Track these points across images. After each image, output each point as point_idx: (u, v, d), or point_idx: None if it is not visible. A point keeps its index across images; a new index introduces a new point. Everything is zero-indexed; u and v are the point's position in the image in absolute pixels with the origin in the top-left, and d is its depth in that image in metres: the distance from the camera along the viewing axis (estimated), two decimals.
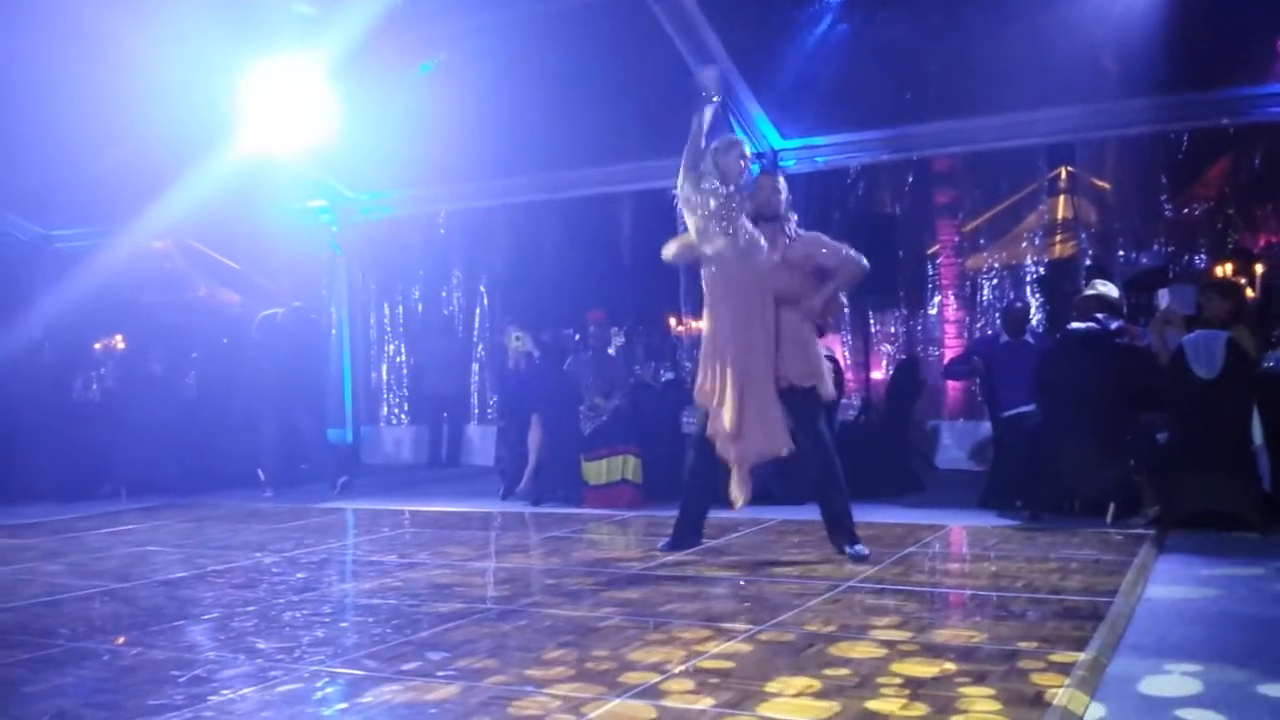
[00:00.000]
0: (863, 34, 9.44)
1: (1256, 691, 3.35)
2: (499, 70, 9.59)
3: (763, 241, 5.52)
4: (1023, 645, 3.76)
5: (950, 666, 3.54)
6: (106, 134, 10.42)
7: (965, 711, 3.09)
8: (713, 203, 5.44)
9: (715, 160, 5.51)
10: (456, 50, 9.75)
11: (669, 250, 5.78)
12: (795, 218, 5.80)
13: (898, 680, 3.40)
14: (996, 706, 3.13)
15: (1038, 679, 3.36)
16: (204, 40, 9.28)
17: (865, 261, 5.59)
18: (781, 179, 5.95)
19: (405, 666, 3.70)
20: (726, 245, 5.45)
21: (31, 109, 10.14)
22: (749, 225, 5.53)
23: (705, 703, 3.24)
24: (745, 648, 3.87)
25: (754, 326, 5.44)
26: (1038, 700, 3.15)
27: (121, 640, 4.29)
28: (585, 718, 3.11)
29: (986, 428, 8.82)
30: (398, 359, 13.13)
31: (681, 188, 5.55)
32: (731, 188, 5.49)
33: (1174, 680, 3.46)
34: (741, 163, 5.59)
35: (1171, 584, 4.89)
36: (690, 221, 5.58)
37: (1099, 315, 6.89)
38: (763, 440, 5.41)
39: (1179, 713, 3.15)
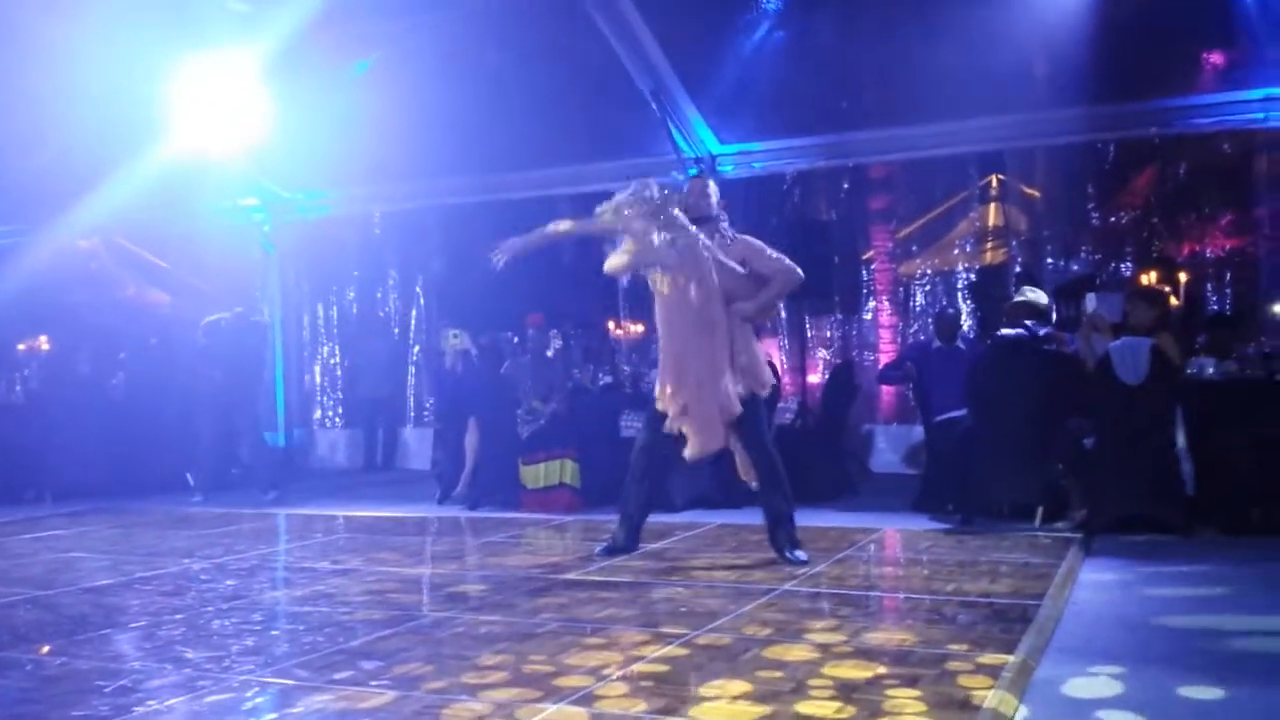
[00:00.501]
0: (799, 41, 9.53)
1: (1177, 693, 3.43)
2: (436, 69, 9.53)
3: (702, 238, 5.54)
4: (953, 648, 3.82)
5: (882, 670, 3.58)
6: (32, 131, 10.17)
7: (896, 714, 3.13)
8: (652, 224, 5.44)
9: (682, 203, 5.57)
10: (393, 48, 9.65)
11: (612, 264, 5.74)
12: (726, 219, 5.83)
13: (830, 683, 3.44)
14: (924, 708, 3.17)
15: (966, 682, 3.41)
16: (135, 36, 9.09)
17: (800, 272, 5.65)
18: (711, 182, 5.93)
19: (337, 675, 3.66)
20: (671, 254, 5.46)
21: None
22: (687, 224, 5.54)
23: (639, 707, 3.26)
24: (681, 652, 3.88)
25: (704, 328, 5.47)
26: (966, 704, 3.20)
27: (45, 649, 4.19)
28: (517, 710, 3.10)
29: (919, 432, 8.94)
30: (332, 361, 12.98)
31: (617, 213, 5.52)
32: (662, 197, 5.50)
33: (1097, 682, 3.54)
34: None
35: (1098, 587, 5.00)
36: (631, 239, 5.56)
37: (1028, 322, 7.01)
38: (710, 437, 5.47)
39: (1100, 714, 3.22)
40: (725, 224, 5.77)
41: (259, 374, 10.16)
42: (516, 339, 9.93)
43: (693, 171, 9.72)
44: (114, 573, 5.87)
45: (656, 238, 5.42)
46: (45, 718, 3.30)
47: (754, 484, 5.68)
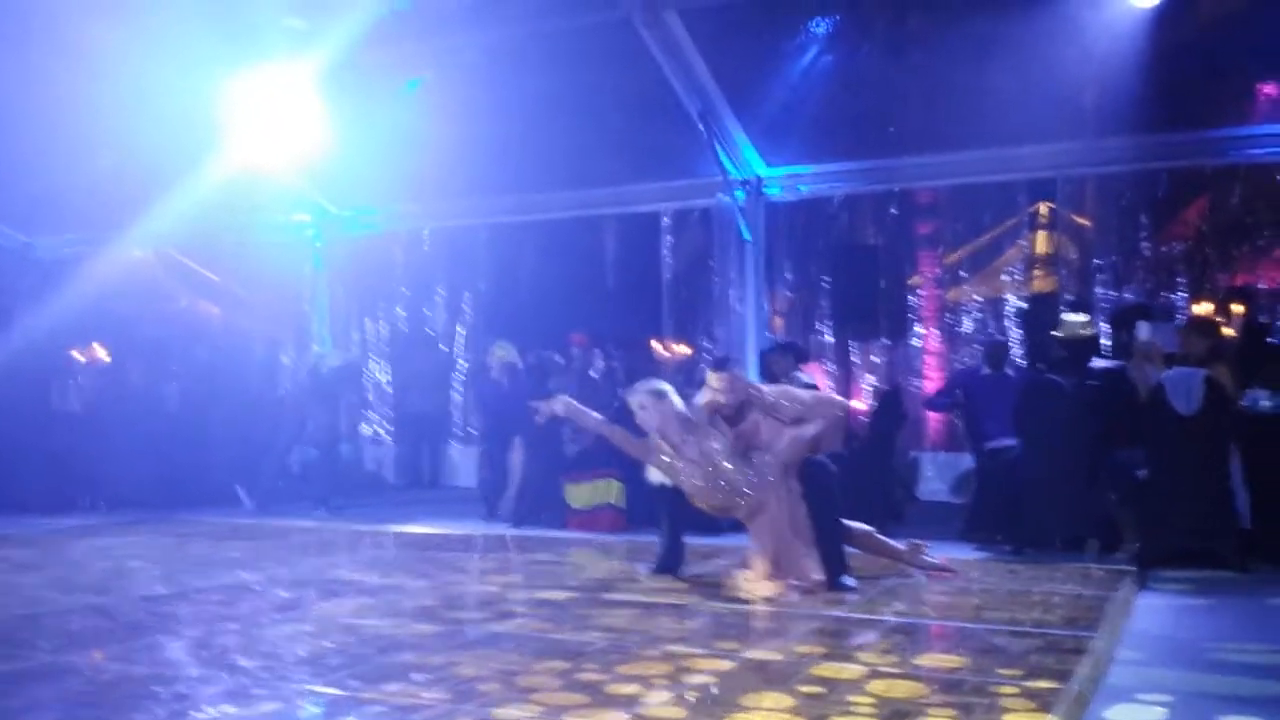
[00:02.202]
0: (848, 65, 9.54)
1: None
2: (486, 89, 9.62)
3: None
4: (1004, 673, 3.81)
5: (928, 692, 3.60)
6: (91, 143, 10.37)
7: None
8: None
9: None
10: (444, 67, 9.77)
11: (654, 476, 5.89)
12: (757, 387, 5.87)
13: (873, 701, 3.48)
14: None
15: (1015, 706, 3.39)
16: (192, 50, 9.27)
17: (839, 400, 5.90)
18: (731, 370, 5.82)
19: (389, 686, 3.69)
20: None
21: (15, 117, 10.09)
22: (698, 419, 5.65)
23: (681, 715, 3.34)
24: (727, 665, 3.94)
25: None
26: None
27: (101, 655, 4.26)
28: None
29: (967, 460, 8.88)
30: (380, 377, 13.08)
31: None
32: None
33: (1142, 710, 3.54)
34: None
35: (1152, 620, 4.93)
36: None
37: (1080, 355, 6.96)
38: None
39: None
40: (755, 389, 5.79)
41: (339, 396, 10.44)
42: (559, 358, 9.98)
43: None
44: (169, 582, 5.94)
45: (679, 460, 5.59)
46: None
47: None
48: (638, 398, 5.73)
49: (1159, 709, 3.52)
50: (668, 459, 5.65)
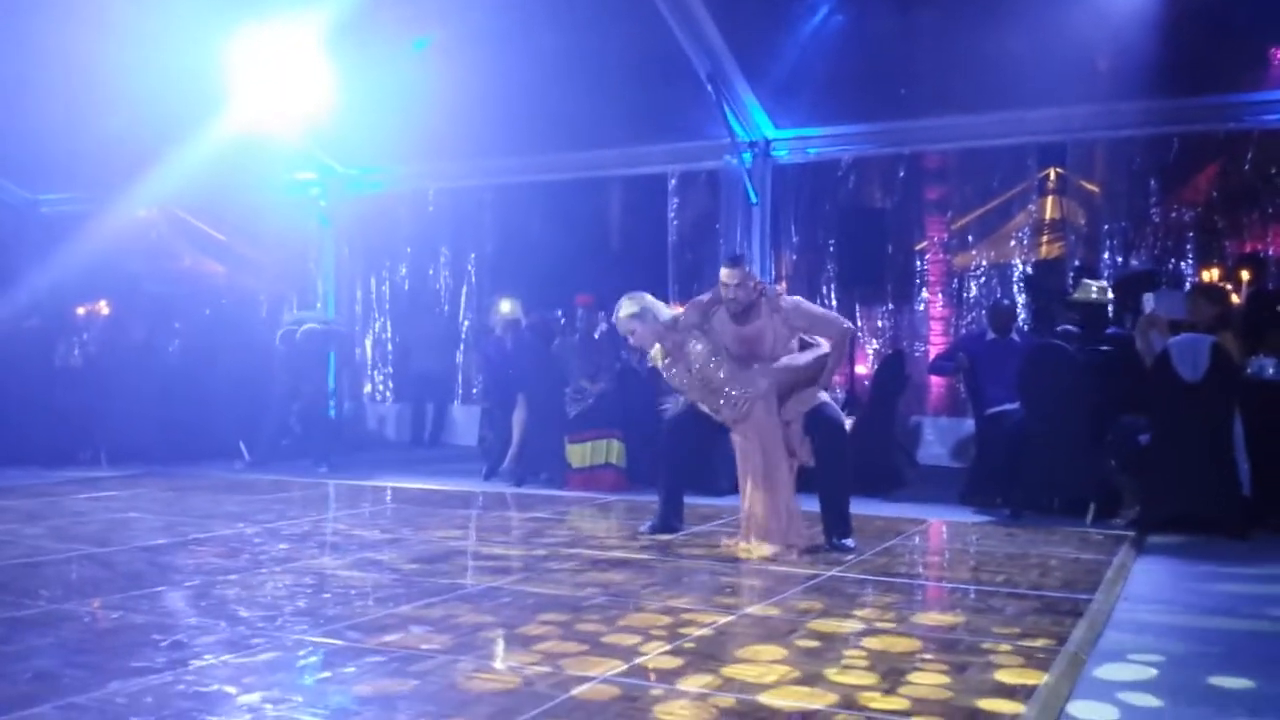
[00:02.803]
0: (859, 27, 9.43)
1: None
2: (492, 49, 9.54)
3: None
4: (999, 631, 3.83)
5: (920, 647, 3.65)
6: (96, 100, 10.32)
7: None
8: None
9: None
10: (451, 26, 9.68)
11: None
12: (774, 288, 5.87)
13: (864, 654, 3.54)
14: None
15: (1007, 664, 3.42)
16: (199, 8, 9.21)
17: (850, 325, 5.87)
18: (740, 265, 5.69)
19: (388, 638, 3.71)
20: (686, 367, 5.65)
21: (19, 74, 10.05)
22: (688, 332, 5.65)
23: (676, 664, 3.42)
24: (726, 619, 4.00)
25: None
26: (1001, 687, 3.18)
27: (100, 604, 4.27)
28: (564, 672, 3.12)
29: (969, 425, 8.86)
30: (383, 335, 13.07)
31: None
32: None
33: (1131, 668, 3.56)
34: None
35: (1150, 585, 4.94)
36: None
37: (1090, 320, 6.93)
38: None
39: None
40: (771, 291, 5.75)
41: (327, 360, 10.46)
42: (564, 319, 9.96)
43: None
44: (168, 533, 5.97)
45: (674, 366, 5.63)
46: (103, 668, 3.36)
47: (810, 462, 5.62)
48: (624, 324, 5.75)
49: (1150, 670, 3.54)
50: (664, 366, 5.67)
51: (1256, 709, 3.19)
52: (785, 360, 5.53)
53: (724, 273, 5.61)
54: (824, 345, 5.61)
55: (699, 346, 5.54)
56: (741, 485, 5.60)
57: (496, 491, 8.06)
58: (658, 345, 5.69)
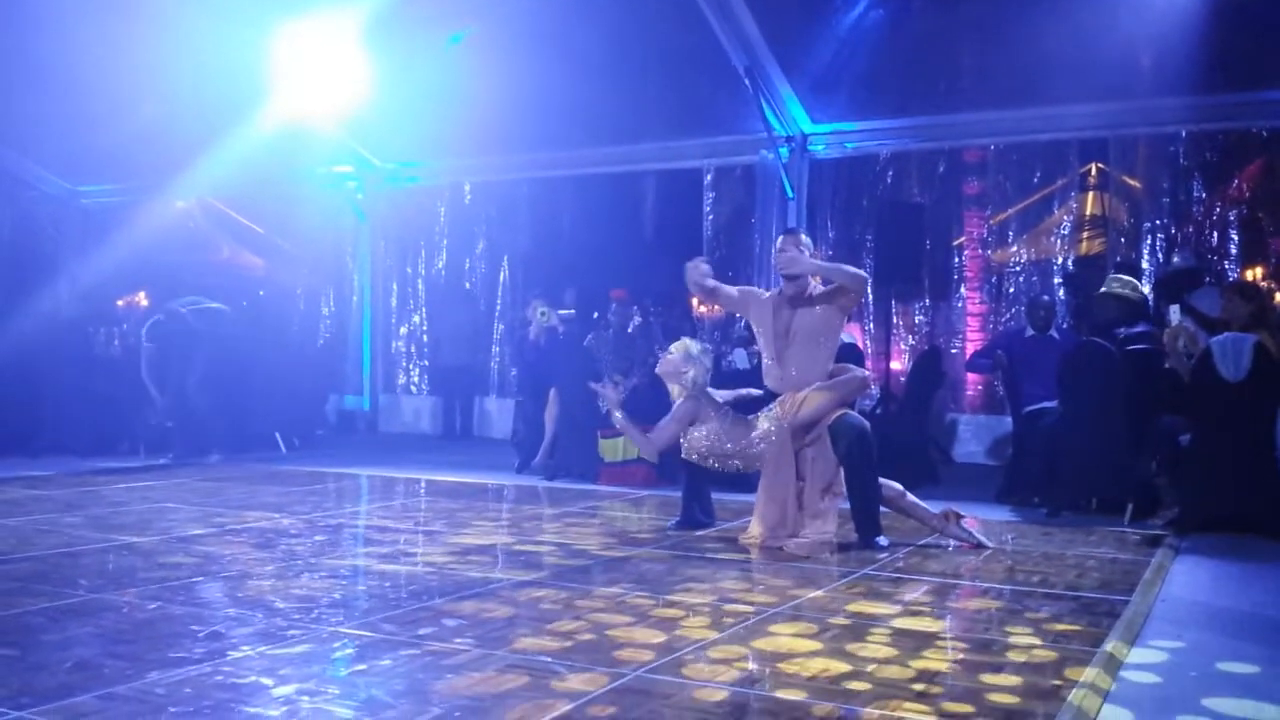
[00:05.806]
0: (897, 21, 9.37)
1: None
2: (529, 43, 9.56)
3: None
4: (1031, 630, 3.77)
5: (945, 634, 3.73)
6: (136, 92, 10.44)
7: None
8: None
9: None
10: (487, 21, 9.71)
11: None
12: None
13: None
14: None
15: (1039, 663, 3.36)
16: (239, 2, 9.28)
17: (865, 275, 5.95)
18: (796, 235, 5.83)
19: (422, 630, 3.72)
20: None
21: (62, 66, 10.17)
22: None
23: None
24: (764, 599, 4.16)
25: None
26: (1053, 693, 3.15)
27: (138, 594, 4.31)
28: (596, 668, 3.11)
29: (1006, 423, 8.78)
30: (418, 328, 13.13)
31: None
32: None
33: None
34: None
35: (1188, 586, 4.86)
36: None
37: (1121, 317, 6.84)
38: None
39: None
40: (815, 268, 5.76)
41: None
42: (597, 314, 9.96)
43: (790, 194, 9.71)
44: (206, 524, 6.03)
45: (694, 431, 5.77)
46: (142, 658, 3.39)
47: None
48: (674, 384, 5.94)
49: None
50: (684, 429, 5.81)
51: None
52: (814, 389, 5.56)
53: (781, 240, 5.81)
54: (857, 372, 5.74)
55: (703, 430, 5.70)
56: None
57: (529, 485, 8.08)
58: (676, 386, 5.88)
